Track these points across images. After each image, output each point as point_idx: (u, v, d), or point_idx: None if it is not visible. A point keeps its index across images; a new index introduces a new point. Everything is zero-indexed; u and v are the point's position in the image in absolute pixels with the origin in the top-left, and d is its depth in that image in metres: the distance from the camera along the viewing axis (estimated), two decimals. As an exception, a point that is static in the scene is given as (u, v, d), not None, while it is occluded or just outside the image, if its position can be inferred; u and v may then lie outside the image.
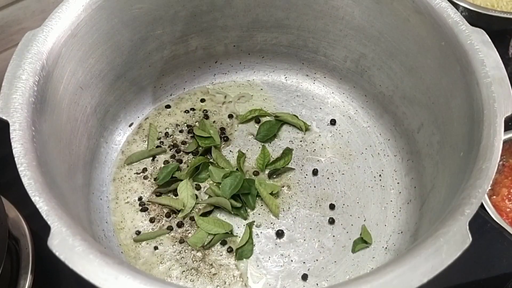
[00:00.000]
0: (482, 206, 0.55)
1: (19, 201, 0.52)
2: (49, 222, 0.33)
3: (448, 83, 0.48)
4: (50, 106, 0.44)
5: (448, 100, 0.48)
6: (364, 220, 0.56)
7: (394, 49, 0.56)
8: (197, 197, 0.57)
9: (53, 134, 0.44)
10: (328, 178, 0.59)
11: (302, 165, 0.60)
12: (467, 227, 0.33)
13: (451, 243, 0.33)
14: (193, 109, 0.65)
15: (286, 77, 0.69)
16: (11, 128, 0.39)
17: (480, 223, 0.54)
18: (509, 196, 0.57)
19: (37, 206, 0.34)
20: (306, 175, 0.60)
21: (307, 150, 0.62)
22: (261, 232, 0.55)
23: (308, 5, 0.60)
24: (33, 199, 0.34)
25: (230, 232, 0.54)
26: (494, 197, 0.58)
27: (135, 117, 0.64)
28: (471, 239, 0.33)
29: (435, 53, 0.49)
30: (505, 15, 0.66)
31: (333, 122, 0.64)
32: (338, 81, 0.67)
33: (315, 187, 0.59)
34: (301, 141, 0.63)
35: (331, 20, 0.61)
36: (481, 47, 0.44)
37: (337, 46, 0.63)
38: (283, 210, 0.57)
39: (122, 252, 0.53)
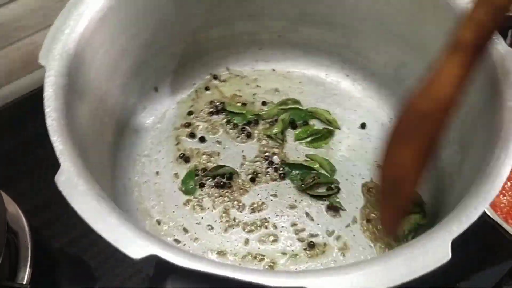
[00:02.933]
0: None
1: (19, 196, 0.55)
2: (60, 160, 0.36)
3: (477, 103, 0.46)
4: (88, 63, 0.47)
5: (474, 120, 0.47)
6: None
7: (432, 59, 0.55)
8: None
9: (88, 88, 0.48)
10: (346, 180, 0.59)
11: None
12: (450, 244, 0.33)
13: (429, 255, 0.33)
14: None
15: (326, 74, 0.69)
16: (46, 74, 0.42)
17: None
18: (503, 191, 0.56)
19: (54, 145, 0.37)
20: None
21: (332, 149, 0.62)
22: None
23: (354, 5, 0.61)
24: (51, 139, 0.38)
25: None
26: None
27: (174, 90, 0.67)
28: (450, 256, 0.32)
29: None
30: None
31: (363, 125, 0.64)
32: (377, 86, 0.66)
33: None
34: (328, 138, 0.63)
35: (375, 24, 0.61)
36: (513, 69, 0.43)
37: (379, 50, 0.63)
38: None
39: (137, 209, 0.56)
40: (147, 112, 0.63)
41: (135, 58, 0.57)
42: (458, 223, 0.34)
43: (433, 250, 0.33)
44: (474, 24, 0.34)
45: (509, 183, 0.57)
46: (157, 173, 0.59)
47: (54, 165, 0.37)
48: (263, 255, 0.52)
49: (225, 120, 0.64)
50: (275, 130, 0.62)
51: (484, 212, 0.52)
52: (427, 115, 0.36)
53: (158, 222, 0.55)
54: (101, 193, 0.36)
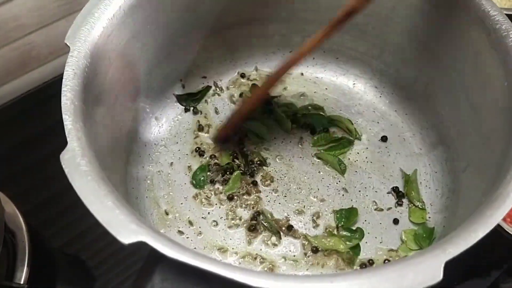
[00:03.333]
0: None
1: (18, 196, 0.55)
2: (68, 139, 0.37)
3: (499, 125, 0.45)
4: (113, 46, 0.48)
5: (495, 146, 0.45)
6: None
7: (462, 81, 0.53)
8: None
9: (110, 72, 0.49)
10: (359, 191, 0.58)
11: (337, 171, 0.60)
12: (442, 266, 0.32)
13: (420, 274, 0.32)
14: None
15: (354, 84, 0.68)
16: (69, 54, 0.43)
17: None
18: None
19: (64, 124, 0.38)
20: (339, 181, 0.59)
21: (349, 159, 0.61)
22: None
23: (389, 16, 0.60)
24: (63, 117, 0.39)
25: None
26: None
27: (199, 83, 0.67)
28: (441, 277, 0.31)
29: (497, 93, 0.47)
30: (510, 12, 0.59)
31: (384, 138, 0.63)
32: (404, 100, 0.65)
33: (343, 195, 0.58)
34: (347, 148, 0.62)
35: (408, 37, 0.59)
36: (539, 95, 0.41)
37: (410, 64, 0.62)
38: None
39: (147, 197, 0.57)
40: (170, 103, 0.64)
41: (161, 48, 0.58)
42: (455, 246, 0.33)
43: (425, 270, 0.32)
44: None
45: None
46: (171, 164, 0.59)
47: (53, 165, 0.37)
48: (264, 258, 0.52)
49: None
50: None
51: None
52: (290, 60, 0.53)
53: (166, 212, 0.55)
54: (103, 175, 0.37)
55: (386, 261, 0.52)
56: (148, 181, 0.58)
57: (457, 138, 0.56)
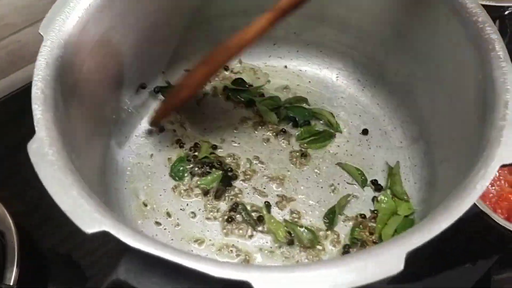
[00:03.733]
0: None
1: (7, 197, 0.55)
2: (36, 129, 0.37)
3: (473, 119, 0.45)
4: (89, 37, 0.48)
5: (468, 138, 0.45)
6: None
7: (439, 72, 0.53)
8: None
9: (87, 63, 0.49)
10: (339, 184, 0.58)
11: (318, 164, 0.60)
12: (404, 256, 0.32)
13: (381, 265, 0.32)
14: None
15: (337, 77, 0.68)
16: (42, 44, 0.43)
17: None
18: (492, 182, 0.56)
19: (33, 114, 0.38)
20: (318, 173, 0.59)
21: (329, 151, 0.61)
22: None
23: (371, 10, 0.59)
24: (32, 106, 0.39)
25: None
26: None
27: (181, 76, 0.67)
28: (402, 268, 0.31)
29: (472, 87, 0.46)
30: (487, 2, 0.59)
31: (365, 132, 0.63)
32: (386, 94, 0.65)
33: (322, 187, 0.58)
34: (327, 140, 0.62)
35: (390, 30, 0.59)
36: (512, 88, 0.41)
37: (391, 57, 0.61)
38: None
39: (126, 188, 0.57)
40: (151, 94, 0.64)
41: (141, 40, 0.58)
42: (419, 237, 0.33)
43: (387, 260, 0.32)
44: None
45: (497, 173, 0.56)
46: (151, 155, 0.59)
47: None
48: (240, 249, 0.52)
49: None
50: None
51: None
52: (229, 48, 0.51)
53: (144, 204, 0.55)
54: (71, 166, 0.37)
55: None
56: (128, 173, 0.58)
57: (435, 131, 0.56)
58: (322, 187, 0.58)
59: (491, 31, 0.45)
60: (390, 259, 0.32)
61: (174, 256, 0.32)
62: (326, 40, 0.67)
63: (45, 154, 0.36)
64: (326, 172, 0.59)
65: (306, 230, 0.53)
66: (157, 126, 0.61)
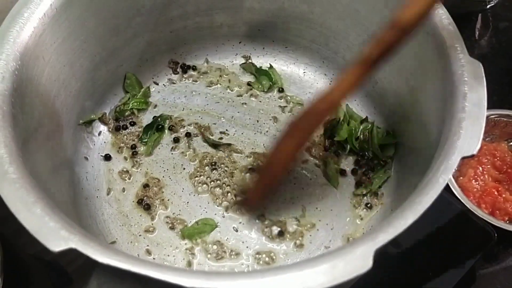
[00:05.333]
0: (447, 188, 0.54)
1: None
2: (-5, 146, 0.36)
3: (436, 111, 0.46)
4: (46, 46, 0.47)
5: (430, 128, 0.46)
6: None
7: (402, 65, 0.54)
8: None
9: (46, 73, 0.48)
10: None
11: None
12: (372, 254, 0.32)
13: (350, 264, 0.32)
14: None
15: (304, 72, 0.68)
16: (-4, 57, 0.42)
17: (445, 204, 0.53)
18: (476, 176, 0.57)
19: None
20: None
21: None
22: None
23: (332, 3, 0.60)
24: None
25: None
26: (461, 178, 0.57)
27: (149, 78, 0.66)
28: (370, 266, 0.32)
29: (433, 78, 0.47)
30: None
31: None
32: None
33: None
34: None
35: (352, 23, 0.60)
36: (470, 80, 0.41)
37: (355, 50, 0.62)
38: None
39: (97, 196, 0.56)
40: (118, 98, 0.63)
41: (104, 44, 0.57)
42: (385, 234, 0.33)
43: (355, 259, 0.32)
44: (382, 44, 0.39)
45: (480, 168, 0.58)
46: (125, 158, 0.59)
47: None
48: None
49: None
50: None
51: (456, 198, 0.54)
52: (315, 113, 0.43)
53: (120, 211, 0.55)
54: (33, 182, 0.36)
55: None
56: (98, 179, 0.57)
57: (400, 124, 0.56)
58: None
59: (448, 23, 0.45)
60: (359, 257, 0.32)
61: (143, 269, 0.32)
62: (290, 36, 0.67)
63: (6, 172, 0.36)
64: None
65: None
66: (255, 212, 0.54)
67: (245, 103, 0.65)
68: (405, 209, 0.35)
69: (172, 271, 0.32)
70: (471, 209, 0.53)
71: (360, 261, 0.32)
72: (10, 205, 0.34)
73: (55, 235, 0.33)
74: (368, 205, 0.55)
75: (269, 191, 0.51)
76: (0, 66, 0.42)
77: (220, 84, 0.67)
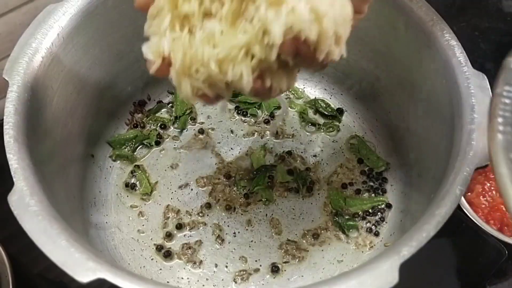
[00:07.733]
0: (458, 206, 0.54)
1: None
2: (14, 179, 0.36)
3: (441, 123, 0.47)
4: (55, 75, 0.47)
5: (438, 142, 0.47)
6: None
7: (405, 77, 0.55)
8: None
9: (55, 101, 0.48)
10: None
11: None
12: (398, 268, 0.33)
13: (377, 279, 0.33)
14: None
15: (304, 87, 0.69)
16: (9, 89, 0.42)
17: (455, 223, 0.53)
18: (483, 192, 0.57)
19: (9, 163, 0.37)
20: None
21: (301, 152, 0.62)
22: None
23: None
24: (7, 156, 0.38)
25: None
26: (469, 194, 0.57)
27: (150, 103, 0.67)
28: (397, 280, 0.32)
29: (437, 91, 0.48)
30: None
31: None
32: (353, 100, 0.66)
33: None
34: (301, 143, 0.64)
35: (352, 39, 0.60)
36: (476, 91, 0.43)
37: (356, 65, 0.63)
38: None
39: (107, 222, 0.56)
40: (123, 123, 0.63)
41: (111, 70, 0.57)
42: (409, 247, 0.34)
43: (382, 274, 0.33)
44: None
45: (488, 184, 0.57)
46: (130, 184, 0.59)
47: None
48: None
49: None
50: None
51: (465, 217, 0.54)
52: None
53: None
54: (55, 213, 0.36)
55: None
56: (107, 204, 0.57)
57: (404, 136, 0.57)
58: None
59: (450, 37, 0.47)
60: (385, 272, 0.33)
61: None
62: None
63: (27, 205, 0.36)
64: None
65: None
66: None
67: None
68: (426, 222, 0.36)
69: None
70: (480, 225, 0.53)
71: (387, 276, 0.33)
72: (35, 238, 0.34)
73: (82, 266, 0.33)
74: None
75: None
76: (13, 98, 0.42)
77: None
